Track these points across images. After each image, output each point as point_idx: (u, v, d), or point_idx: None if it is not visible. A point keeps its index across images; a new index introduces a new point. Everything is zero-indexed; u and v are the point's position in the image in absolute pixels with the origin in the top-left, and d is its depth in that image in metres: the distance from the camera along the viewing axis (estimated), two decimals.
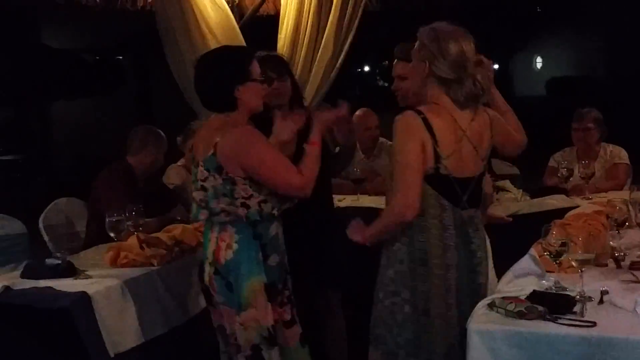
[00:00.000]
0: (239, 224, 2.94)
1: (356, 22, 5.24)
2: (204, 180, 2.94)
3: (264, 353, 2.96)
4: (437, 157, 2.63)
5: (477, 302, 2.58)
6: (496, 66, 19.44)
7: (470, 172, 2.71)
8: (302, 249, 3.38)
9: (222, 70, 2.97)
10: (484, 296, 2.67)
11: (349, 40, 5.24)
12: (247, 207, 2.93)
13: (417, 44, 2.75)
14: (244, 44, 5.19)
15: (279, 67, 3.56)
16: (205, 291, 3.06)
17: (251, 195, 2.92)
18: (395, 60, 3.30)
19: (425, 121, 2.63)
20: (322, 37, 5.26)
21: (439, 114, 2.67)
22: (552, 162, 5.10)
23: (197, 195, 2.98)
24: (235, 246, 2.94)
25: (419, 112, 2.65)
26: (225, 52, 3.19)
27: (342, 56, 5.24)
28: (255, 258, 2.95)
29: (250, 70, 2.97)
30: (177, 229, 3.74)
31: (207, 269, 3.00)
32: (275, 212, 2.99)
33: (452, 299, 2.69)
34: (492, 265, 3.17)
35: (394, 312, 2.72)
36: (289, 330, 3.08)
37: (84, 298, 3.08)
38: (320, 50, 5.25)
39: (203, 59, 3.09)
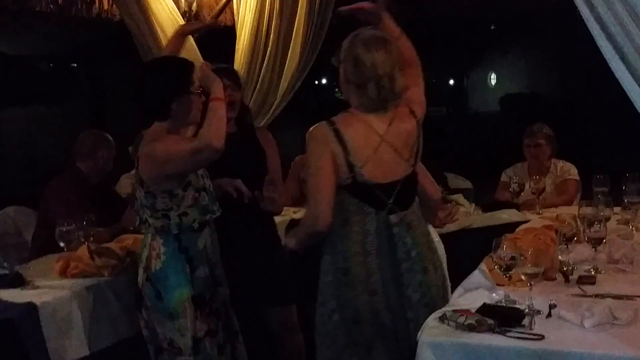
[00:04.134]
0: (165, 235, 3.02)
1: (321, 38, 5.12)
2: (136, 191, 3.07)
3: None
4: (351, 167, 2.64)
5: (406, 305, 2.67)
6: (452, 82, 19.73)
7: (394, 176, 2.70)
8: (242, 264, 3.38)
9: (161, 79, 3.02)
10: (422, 297, 2.70)
11: (315, 53, 5.16)
12: (168, 218, 3.00)
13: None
14: (198, 54, 5.13)
15: (234, 77, 3.58)
16: (138, 295, 3.10)
17: (171, 208, 2.99)
18: None
19: (337, 132, 2.64)
20: (287, 49, 5.18)
21: (352, 123, 2.68)
22: (504, 177, 5.16)
23: (136, 204, 3.11)
24: (163, 257, 3.02)
25: (332, 123, 2.66)
26: (167, 62, 3.23)
27: (306, 70, 5.18)
28: (182, 270, 3.02)
29: (189, 83, 3.02)
30: (129, 239, 3.70)
31: (141, 273, 3.08)
32: (195, 224, 3.04)
33: (380, 303, 2.68)
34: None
35: (325, 322, 2.73)
36: (211, 339, 3.11)
37: (31, 309, 3.03)
38: (287, 64, 5.18)
39: (144, 66, 3.15)
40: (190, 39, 5.23)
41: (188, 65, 3.10)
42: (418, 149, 2.78)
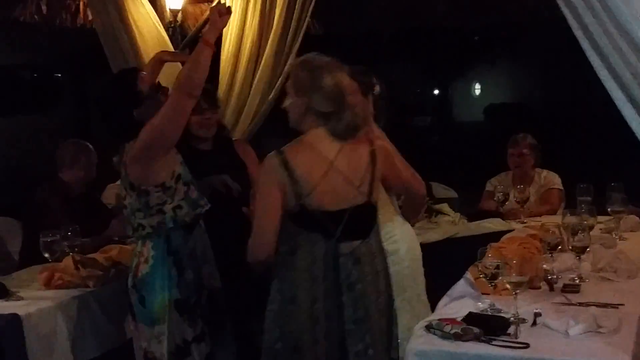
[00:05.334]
0: (155, 239, 3.02)
1: (297, 44, 5.17)
2: (124, 198, 3.07)
3: None
4: (298, 196, 2.57)
5: (343, 335, 2.60)
6: (436, 92, 19.82)
7: (344, 204, 2.62)
8: (233, 268, 3.37)
9: (113, 99, 3.02)
10: (356, 331, 2.62)
11: (289, 62, 5.17)
12: (163, 212, 3.01)
13: (291, 78, 2.69)
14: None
15: (212, 98, 3.63)
16: (129, 305, 3.11)
17: (165, 202, 3.00)
18: None
19: (285, 161, 2.58)
20: (262, 59, 5.22)
21: (301, 151, 2.61)
22: (488, 187, 5.19)
23: (124, 212, 3.12)
24: (151, 261, 3.02)
25: (280, 152, 2.60)
26: (110, 81, 3.22)
27: (280, 79, 5.16)
28: (169, 273, 3.02)
29: (140, 90, 3.00)
30: (114, 250, 3.68)
31: (129, 282, 3.08)
32: (188, 218, 3.05)
33: (320, 330, 2.62)
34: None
35: (268, 350, 2.67)
36: (198, 345, 3.07)
37: (14, 320, 3.01)
38: (259, 73, 5.21)
39: (94, 94, 3.14)
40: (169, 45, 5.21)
41: (131, 73, 3.09)
42: (373, 177, 2.67)
